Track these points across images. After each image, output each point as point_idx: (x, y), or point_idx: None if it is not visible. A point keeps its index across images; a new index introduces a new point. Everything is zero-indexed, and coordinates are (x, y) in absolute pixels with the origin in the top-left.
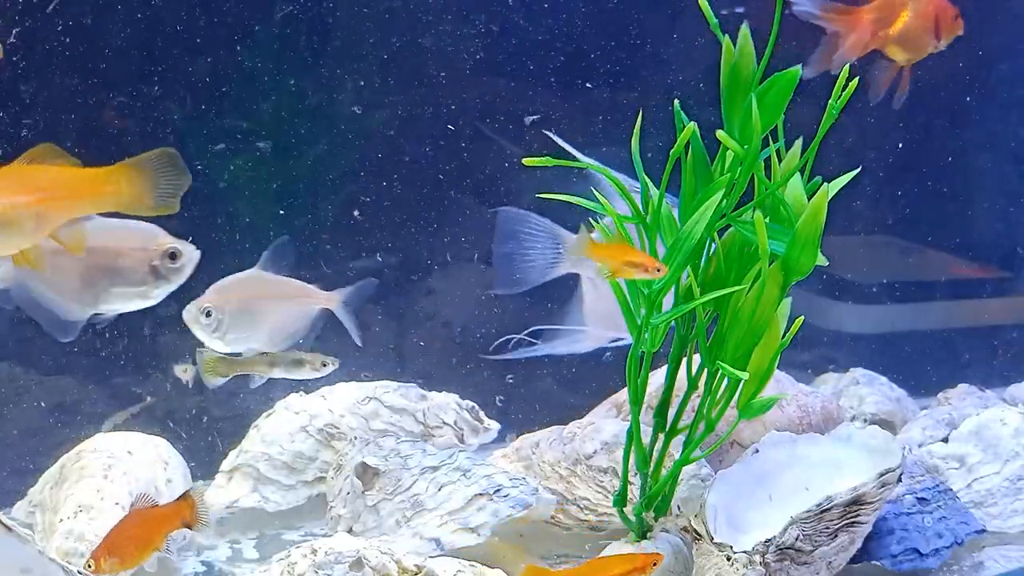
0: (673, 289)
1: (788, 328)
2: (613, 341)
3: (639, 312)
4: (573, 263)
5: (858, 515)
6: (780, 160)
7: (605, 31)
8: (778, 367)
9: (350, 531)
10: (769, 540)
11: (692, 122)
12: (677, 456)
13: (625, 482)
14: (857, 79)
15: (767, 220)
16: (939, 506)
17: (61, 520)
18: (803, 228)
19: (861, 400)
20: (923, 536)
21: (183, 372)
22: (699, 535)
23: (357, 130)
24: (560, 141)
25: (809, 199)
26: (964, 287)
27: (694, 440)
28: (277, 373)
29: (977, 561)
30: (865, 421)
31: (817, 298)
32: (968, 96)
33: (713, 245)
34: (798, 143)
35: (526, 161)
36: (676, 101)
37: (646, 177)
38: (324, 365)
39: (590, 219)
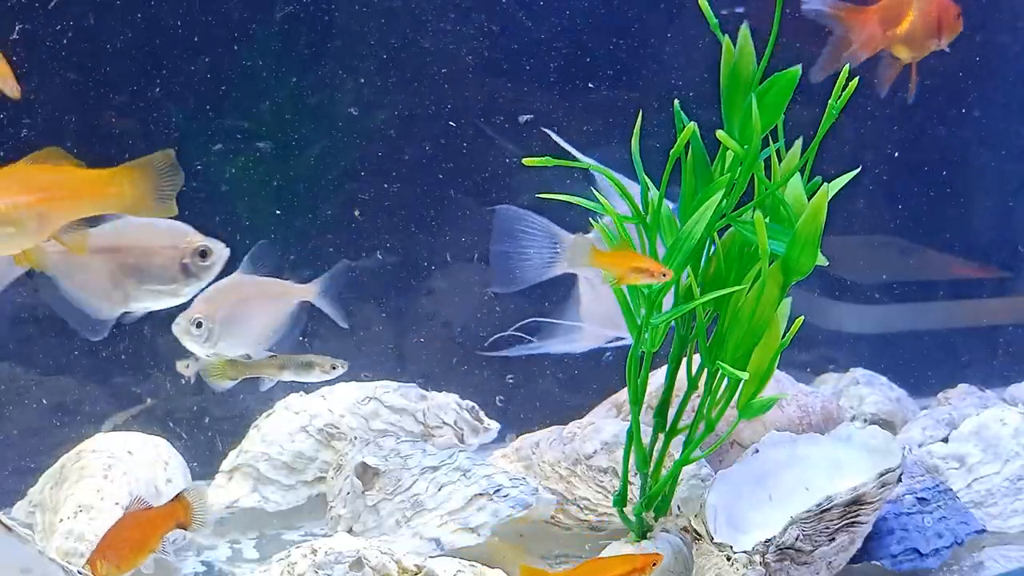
0: (673, 289)
1: (788, 328)
2: (611, 341)
3: (639, 312)
4: (570, 263)
5: (858, 515)
6: (780, 160)
7: (605, 31)
8: (778, 367)
9: (350, 531)
10: (769, 540)
11: (692, 122)
12: (677, 456)
13: (625, 482)
14: (857, 79)
15: (767, 220)
16: (939, 506)
17: (61, 520)
18: (803, 228)
19: (861, 400)
20: (923, 536)
21: (185, 368)
22: (699, 535)
23: (357, 130)
24: (560, 140)
25: (809, 199)
26: (964, 287)
27: (694, 440)
28: (287, 376)
29: (977, 561)
30: (865, 421)
31: (817, 298)
32: (968, 96)
33: (713, 245)
34: (798, 143)
35: (526, 161)
36: (676, 101)
37: (646, 177)
38: (334, 368)
39: (590, 219)
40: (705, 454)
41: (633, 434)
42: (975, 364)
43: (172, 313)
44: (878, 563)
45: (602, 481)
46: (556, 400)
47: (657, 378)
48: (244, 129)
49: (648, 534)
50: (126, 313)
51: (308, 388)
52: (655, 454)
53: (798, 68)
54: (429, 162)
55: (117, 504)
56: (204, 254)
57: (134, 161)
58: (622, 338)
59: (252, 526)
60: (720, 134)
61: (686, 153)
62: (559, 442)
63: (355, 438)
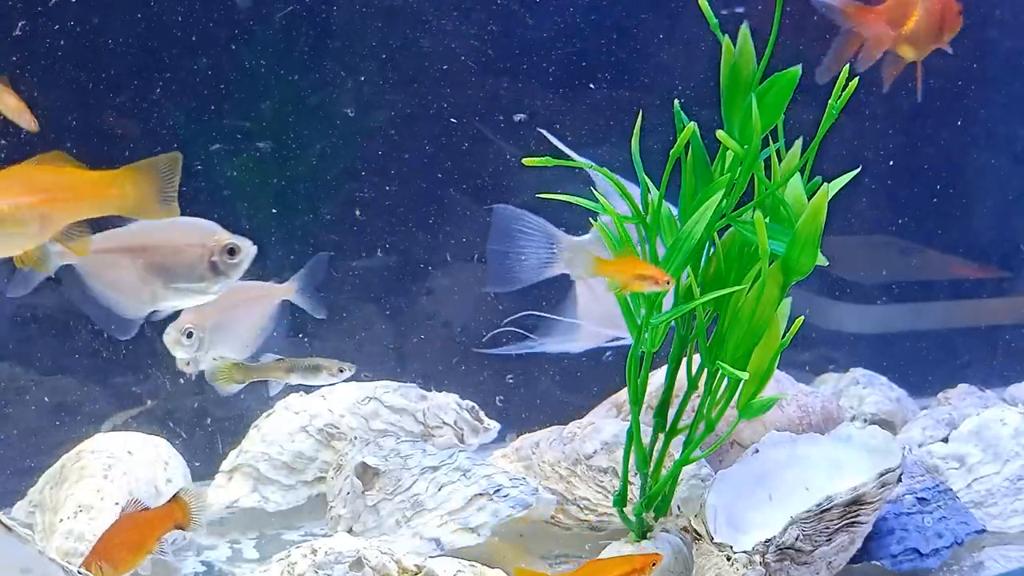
0: (673, 289)
1: (788, 328)
2: (609, 341)
3: (639, 312)
4: (567, 263)
5: (858, 515)
6: (780, 160)
7: (605, 31)
8: (778, 367)
9: (350, 531)
10: (769, 540)
11: (692, 122)
12: (677, 456)
13: (625, 482)
14: (857, 79)
15: (767, 220)
16: (939, 506)
17: (61, 520)
18: (803, 228)
19: (861, 400)
20: (923, 536)
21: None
22: (699, 535)
23: (357, 130)
24: (554, 140)
25: (809, 199)
26: (964, 287)
27: (694, 440)
28: (294, 379)
29: (977, 561)
30: (865, 421)
31: (817, 298)
32: (968, 96)
33: (713, 245)
34: (798, 143)
35: (526, 161)
36: (676, 101)
37: (646, 177)
38: (341, 371)
39: (590, 219)
40: (705, 454)
41: (633, 434)
42: (975, 364)
43: (172, 313)
44: (878, 563)
45: (602, 481)
46: (556, 400)
47: (657, 378)
48: (243, 129)
49: (648, 534)
50: (153, 312)
51: (308, 388)
52: (655, 454)
53: (798, 68)
54: (430, 162)
55: (117, 504)
56: (232, 251)
57: (136, 163)
58: (620, 338)
59: (252, 526)
60: (720, 134)
61: (686, 153)
62: (559, 442)
63: (355, 438)
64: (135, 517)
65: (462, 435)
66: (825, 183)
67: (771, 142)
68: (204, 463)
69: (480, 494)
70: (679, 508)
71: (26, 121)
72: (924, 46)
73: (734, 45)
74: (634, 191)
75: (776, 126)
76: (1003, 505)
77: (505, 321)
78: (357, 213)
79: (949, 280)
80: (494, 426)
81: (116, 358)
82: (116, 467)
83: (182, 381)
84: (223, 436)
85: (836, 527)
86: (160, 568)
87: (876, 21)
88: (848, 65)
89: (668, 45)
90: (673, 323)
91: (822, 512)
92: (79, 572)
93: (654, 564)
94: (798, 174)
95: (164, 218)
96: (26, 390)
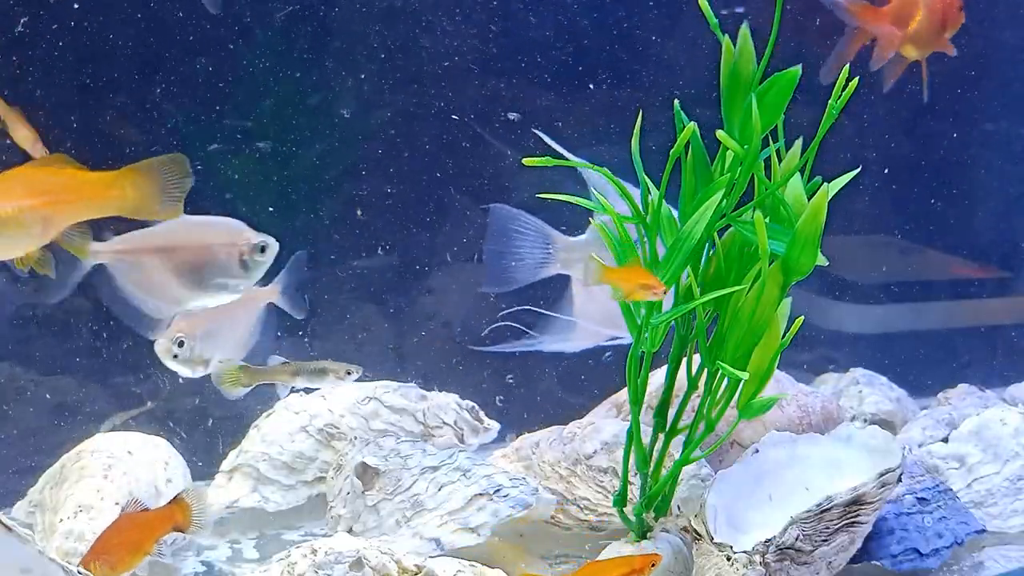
0: (673, 289)
1: (788, 328)
2: (608, 340)
3: (639, 312)
4: (563, 264)
5: (858, 515)
6: (780, 160)
7: (605, 31)
8: (778, 367)
9: (350, 531)
10: (769, 540)
11: (692, 122)
12: (677, 456)
13: (625, 482)
14: (857, 79)
15: (767, 220)
16: (939, 506)
17: (61, 520)
18: (803, 228)
19: (861, 400)
20: (923, 536)
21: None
22: (699, 535)
23: (357, 130)
24: (549, 140)
25: (809, 199)
26: (964, 287)
27: (694, 440)
28: (300, 382)
29: (977, 561)
30: (865, 421)
31: (817, 298)
32: (969, 96)
33: (713, 245)
34: (798, 143)
35: (526, 161)
36: (676, 101)
37: (646, 177)
38: (348, 374)
39: (590, 219)
40: (705, 454)
41: (633, 434)
42: (975, 364)
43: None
44: (878, 563)
45: (602, 481)
46: (556, 400)
47: (657, 378)
48: (243, 129)
49: (648, 534)
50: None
51: (308, 388)
52: (655, 454)
53: (798, 68)
54: (430, 162)
55: (117, 504)
56: (262, 249)
57: (137, 163)
58: (616, 337)
59: (252, 526)
60: (720, 134)
61: (686, 153)
62: (559, 442)
63: (355, 438)
64: (134, 517)
65: (462, 435)
66: (825, 183)
67: (771, 142)
68: (204, 463)
69: (480, 494)
70: (679, 508)
71: (38, 151)
72: (927, 45)
73: (734, 45)
74: (634, 191)
75: (776, 126)
76: (1003, 505)
77: (500, 315)
78: (357, 213)
79: (949, 280)
80: (494, 426)
81: (116, 358)
82: (116, 467)
83: (182, 381)
84: (223, 436)
85: (836, 527)
86: (160, 568)
87: (882, 20)
88: (848, 65)
89: (668, 45)
90: (673, 323)
91: (822, 512)
92: (79, 572)
93: (654, 564)
94: (798, 174)
95: (164, 219)
96: (26, 390)
